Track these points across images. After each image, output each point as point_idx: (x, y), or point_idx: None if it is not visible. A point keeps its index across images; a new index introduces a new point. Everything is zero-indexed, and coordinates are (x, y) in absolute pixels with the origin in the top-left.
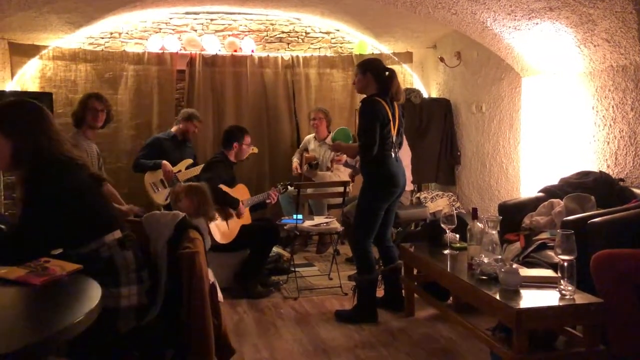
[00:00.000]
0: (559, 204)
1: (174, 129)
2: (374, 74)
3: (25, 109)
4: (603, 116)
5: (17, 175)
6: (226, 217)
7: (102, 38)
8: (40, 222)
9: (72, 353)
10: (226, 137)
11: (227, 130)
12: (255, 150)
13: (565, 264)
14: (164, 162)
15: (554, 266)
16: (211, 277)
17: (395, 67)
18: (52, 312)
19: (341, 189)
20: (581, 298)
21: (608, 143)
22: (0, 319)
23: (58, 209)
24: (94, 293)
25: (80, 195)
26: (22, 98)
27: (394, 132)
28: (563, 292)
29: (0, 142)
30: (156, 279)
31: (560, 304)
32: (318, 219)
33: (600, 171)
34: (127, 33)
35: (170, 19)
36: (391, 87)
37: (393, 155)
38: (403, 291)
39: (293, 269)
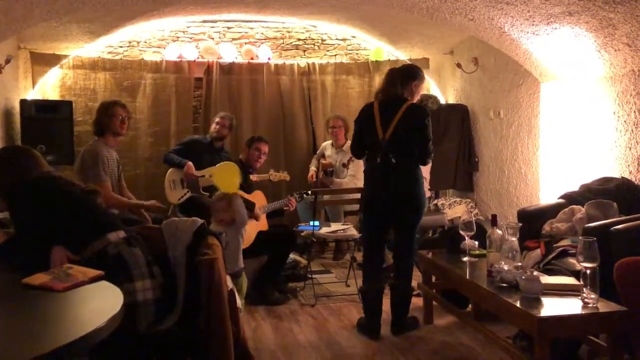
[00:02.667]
0: (580, 210)
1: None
2: None
3: (4, 150)
4: (625, 121)
5: (5, 203)
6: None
7: (121, 47)
8: (33, 233)
9: (92, 353)
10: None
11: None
12: (287, 177)
13: (588, 271)
14: (189, 163)
15: (575, 274)
16: (229, 283)
17: None
18: (75, 317)
19: (358, 196)
20: (605, 306)
21: (630, 149)
22: (24, 325)
23: (46, 216)
24: (116, 298)
25: (62, 201)
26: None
27: (381, 134)
28: (586, 300)
29: None
30: (175, 286)
31: (583, 312)
32: (335, 226)
33: (623, 177)
34: (145, 42)
35: (188, 27)
36: (381, 88)
37: (377, 159)
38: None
39: (310, 276)
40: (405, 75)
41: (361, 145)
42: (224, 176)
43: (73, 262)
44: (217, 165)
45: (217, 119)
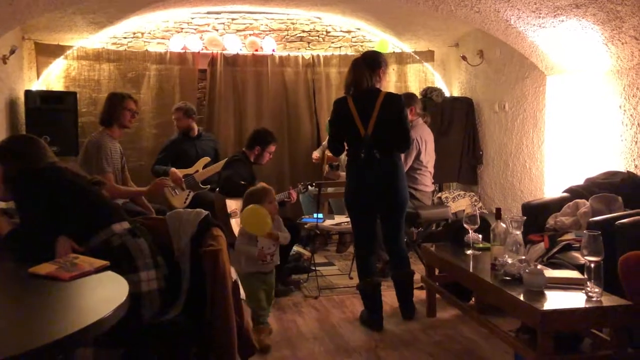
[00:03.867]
0: (585, 204)
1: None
2: None
3: (14, 139)
4: (631, 115)
5: (11, 192)
6: None
7: (125, 38)
8: (38, 223)
9: (97, 343)
10: (252, 138)
11: (256, 130)
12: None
13: (592, 265)
14: (172, 170)
15: (579, 267)
16: (234, 274)
17: (417, 66)
18: (81, 307)
19: None
20: (608, 300)
21: (636, 142)
22: (30, 314)
23: (52, 207)
24: (122, 288)
25: (67, 192)
26: (18, 134)
27: (363, 130)
28: (590, 294)
29: None
30: (179, 276)
31: (587, 305)
32: (338, 218)
33: (628, 171)
34: (149, 33)
35: (192, 18)
36: (350, 81)
37: (361, 155)
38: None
39: (313, 268)
40: (372, 64)
41: (339, 143)
42: (253, 222)
43: (77, 252)
44: (242, 215)
45: (174, 116)
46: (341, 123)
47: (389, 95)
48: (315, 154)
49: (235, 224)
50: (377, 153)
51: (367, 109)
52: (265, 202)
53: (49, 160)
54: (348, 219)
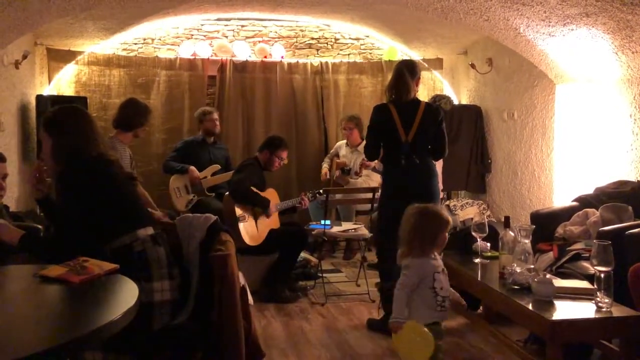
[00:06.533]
0: (594, 213)
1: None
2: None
3: (67, 112)
4: None
5: (55, 172)
6: (255, 217)
7: (136, 44)
8: (76, 214)
9: (106, 347)
10: (263, 143)
11: (269, 136)
12: (285, 161)
13: (602, 275)
14: (192, 167)
15: (588, 277)
16: (242, 279)
17: (425, 74)
18: (90, 310)
19: (370, 195)
20: (618, 311)
21: None
22: (40, 316)
23: (91, 202)
24: (132, 292)
25: (111, 189)
26: (70, 105)
27: (404, 137)
28: (599, 304)
29: (45, 139)
30: (188, 281)
31: (597, 316)
32: (346, 225)
33: (638, 181)
34: (159, 39)
35: (202, 25)
36: (395, 88)
37: (402, 161)
38: None
39: (320, 275)
40: (414, 73)
41: (377, 148)
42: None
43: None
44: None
45: (212, 117)
46: (382, 128)
47: (429, 105)
48: (325, 170)
49: (243, 228)
50: (416, 159)
51: (409, 116)
52: (444, 233)
53: (99, 150)
54: (355, 226)
